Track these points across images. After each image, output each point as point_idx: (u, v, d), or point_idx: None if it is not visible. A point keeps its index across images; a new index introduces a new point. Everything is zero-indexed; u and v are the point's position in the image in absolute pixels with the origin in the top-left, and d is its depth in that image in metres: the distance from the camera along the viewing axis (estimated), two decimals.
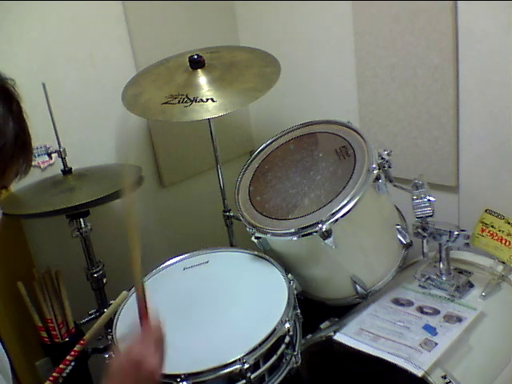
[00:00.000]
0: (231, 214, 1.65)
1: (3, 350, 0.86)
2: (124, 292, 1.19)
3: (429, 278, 1.32)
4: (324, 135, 1.39)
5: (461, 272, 1.33)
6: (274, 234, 1.22)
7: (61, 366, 1.12)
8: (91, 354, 1.39)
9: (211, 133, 1.57)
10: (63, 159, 1.44)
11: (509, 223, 1.25)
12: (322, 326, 1.30)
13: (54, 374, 1.10)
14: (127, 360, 0.79)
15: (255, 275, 1.27)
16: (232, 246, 1.69)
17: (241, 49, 1.73)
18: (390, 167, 1.26)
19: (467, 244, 1.25)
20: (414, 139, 1.56)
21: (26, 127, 0.72)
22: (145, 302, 0.86)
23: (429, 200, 1.25)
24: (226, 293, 1.23)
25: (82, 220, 1.41)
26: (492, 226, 1.27)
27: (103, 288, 1.50)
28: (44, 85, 1.34)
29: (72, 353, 1.12)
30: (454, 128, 1.46)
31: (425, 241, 1.30)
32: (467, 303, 1.23)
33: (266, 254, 1.31)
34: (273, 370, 1.08)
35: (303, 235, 1.17)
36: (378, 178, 1.21)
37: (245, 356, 1.00)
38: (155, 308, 1.03)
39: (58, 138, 1.42)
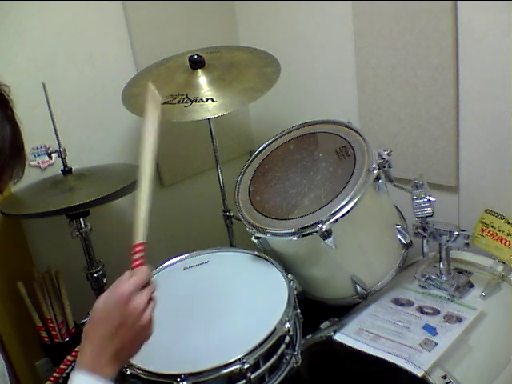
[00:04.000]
0: (231, 214, 1.65)
1: None
2: None
3: (429, 278, 1.32)
4: (324, 135, 1.39)
5: (461, 272, 1.33)
6: (274, 234, 1.22)
7: (61, 366, 1.12)
8: None
9: (211, 133, 1.57)
10: (63, 159, 1.44)
11: (509, 223, 1.24)
12: (322, 326, 1.29)
13: (55, 375, 1.10)
14: (114, 295, 0.74)
15: (255, 275, 1.27)
16: (232, 246, 1.69)
17: (241, 49, 1.72)
18: (390, 167, 1.26)
19: (467, 244, 1.25)
20: (414, 139, 1.56)
21: (20, 132, 0.74)
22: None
23: (429, 200, 1.25)
24: (226, 293, 1.23)
25: (81, 220, 1.41)
26: (492, 226, 1.27)
27: (103, 288, 1.50)
28: (44, 85, 1.34)
29: (73, 353, 1.12)
30: (454, 128, 1.46)
31: (425, 241, 1.30)
32: (467, 303, 1.23)
33: (266, 253, 1.31)
34: (273, 370, 1.08)
35: (303, 235, 1.17)
36: (378, 178, 1.21)
37: (245, 356, 1.00)
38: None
39: (57, 138, 1.42)
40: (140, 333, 0.75)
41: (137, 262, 0.79)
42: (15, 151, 0.71)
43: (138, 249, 0.80)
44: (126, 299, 0.74)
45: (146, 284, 0.77)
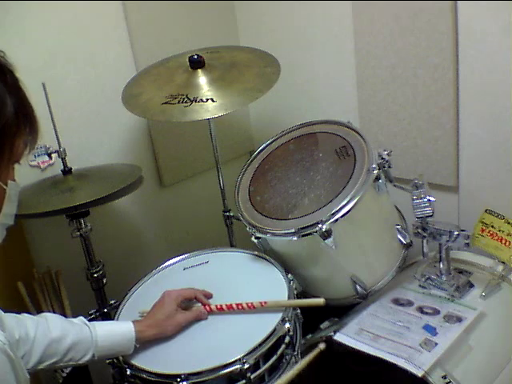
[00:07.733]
0: (231, 214, 1.65)
1: None
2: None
3: (429, 278, 1.32)
4: (324, 135, 1.39)
5: (461, 272, 1.33)
6: (273, 234, 1.22)
7: None
8: None
9: (211, 133, 1.57)
10: (63, 159, 1.44)
11: (509, 223, 1.24)
12: (322, 326, 1.29)
13: None
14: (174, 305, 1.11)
15: (255, 275, 1.27)
16: (232, 246, 1.69)
17: (241, 49, 1.72)
18: (389, 167, 1.26)
19: (467, 244, 1.25)
20: (414, 139, 1.56)
21: (25, 97, 0.70)
22: None
23: (429, 200, 1.25)
24: (225, 293, 1.23)
25: (82, 220, 1.41)
26: (492, 226, 1.27)
27: (103, 288, 1.50)
28: (44, 85, 1.34)
29: None
30: (454, 128, 1.46)
31: (425, 241, 1.30)
32: (467, 303, 1.23)
33: (266, 253, 1.31)
34: (273, 370, 1.08)
35: (303, 235, 1.17)
36: (378, 178, 1.21)
37: (245, 356, 1.00)
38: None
39: (57, 138, 1.41)
40: (167, 326, 1.09)
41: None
42: (22, 118, 0.67)
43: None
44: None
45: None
